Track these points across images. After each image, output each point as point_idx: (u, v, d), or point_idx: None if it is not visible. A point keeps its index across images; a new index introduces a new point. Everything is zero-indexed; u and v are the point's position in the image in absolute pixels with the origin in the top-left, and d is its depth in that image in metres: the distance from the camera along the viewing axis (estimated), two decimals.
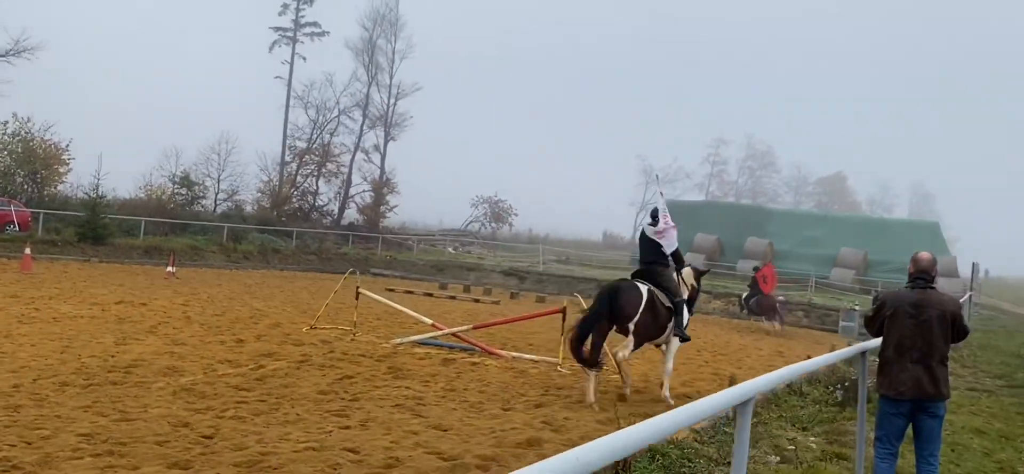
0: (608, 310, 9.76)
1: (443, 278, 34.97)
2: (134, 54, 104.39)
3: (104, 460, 5.97)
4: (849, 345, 19.56)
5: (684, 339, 10.72)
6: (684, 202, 59.97)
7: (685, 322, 10.63)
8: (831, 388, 11.97)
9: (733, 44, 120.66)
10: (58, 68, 55.19)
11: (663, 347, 10.62)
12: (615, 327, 9.95)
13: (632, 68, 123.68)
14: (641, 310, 9.74)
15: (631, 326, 9.77)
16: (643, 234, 10.84)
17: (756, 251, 44.43)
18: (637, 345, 9.95)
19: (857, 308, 27.85)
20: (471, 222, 59.46)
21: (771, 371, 13.35)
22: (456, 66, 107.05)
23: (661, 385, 10.54)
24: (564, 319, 12.62)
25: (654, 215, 10.76)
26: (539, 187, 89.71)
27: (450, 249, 51.15)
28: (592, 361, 9.68)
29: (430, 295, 26.26)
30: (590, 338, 9.68)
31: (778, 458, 7.03)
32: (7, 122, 34.65)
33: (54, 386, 8.29)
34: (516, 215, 60.10)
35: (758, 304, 26.48)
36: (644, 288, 9.95)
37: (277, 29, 49.72)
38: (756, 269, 29.35)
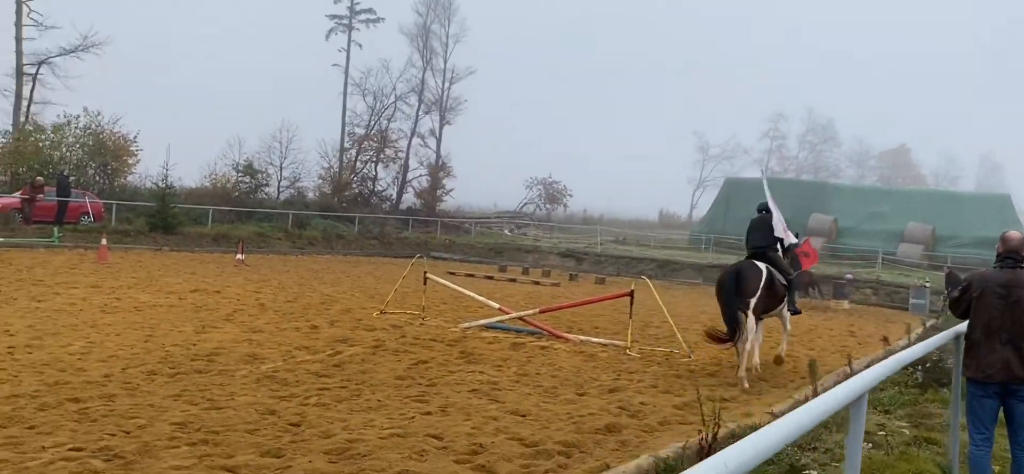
0: (735, 287, 10.58)
1: (501, 260, 35.12)
2: (195, 45, 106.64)
3: (200, 449, 6.15)
4: (922, 323, 19.14)
5: (795, 312, 12.29)
6: (744, 179, 59.02)
7: (795, 297, 11.99)
8: (911, 369, 11.71)
9: (791, 16, 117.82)
10: (123, 61, 56.82)
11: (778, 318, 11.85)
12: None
13: (688, 42, 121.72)
14: (761, 287, 10.63)
15: (752, 301, 10.50)
16: (754, 220, 12.05)
17: (820, 228, 43.53)
18: (756, 321, 10.80)
19: (928, 285, 27.14)
20: (525, 204, 59.55)
21: (843, 352, 13.18)
22: (508, 47, 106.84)
23: (777, 359, 11.57)
24: (631, 302, 12.56)
25: (764, 207, 12.10)
26: (593, 167, 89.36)
27: (506, 231, 51.30)
28: (732, 338, 10.57)
29: (491, 278, 26.42)
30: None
31: (869, 445, 6.90)
32: (78, 116, 35.80)
33: (143, 375, 8.56)
34: (570, 196, 59.99)
35: (796, 278, 26.32)
36: (763, 267, 10.90)
37: (333, 17, 50.34)
38: (795, 245, 29.06)
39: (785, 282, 11.37)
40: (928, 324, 19.07)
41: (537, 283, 26.32)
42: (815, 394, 8.84)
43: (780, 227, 11.97)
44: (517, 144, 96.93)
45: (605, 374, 10.24)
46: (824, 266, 34.16)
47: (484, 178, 64.66)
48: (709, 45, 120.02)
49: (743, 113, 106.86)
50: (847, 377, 10.30)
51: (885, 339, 13.32)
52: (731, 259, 35.42)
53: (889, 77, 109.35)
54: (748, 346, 10.50)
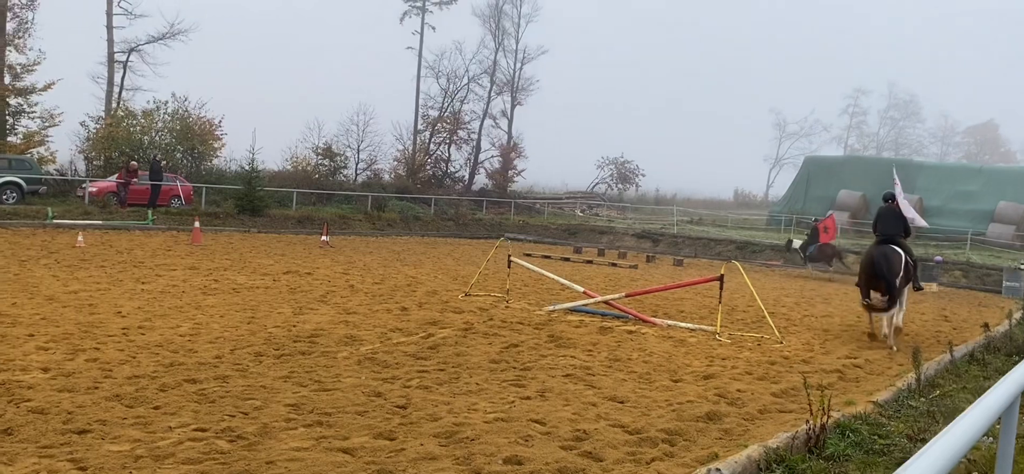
0: (886, 267, 12.36)
1: (576, 241, 35.12)
2: (272, 30, 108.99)
3: (316, 431, 6.39)
4: (1022, 307, 18.39)
5: (918, 288, 14.04)
6: (824, 158, 57.49)
7: (918, 275, 13.70)
8: (1012, 356, 11.34)
9: None
10: (207, 48, 58.54)
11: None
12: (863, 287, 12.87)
13: (764, 16, 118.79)
14: (903, 268, 12.43)
15: (897, 281, 12.24)
16: (883, 210, 13.40)
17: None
18: (895, 298, 12.32)
19: (1023, 267, 26.07)
20: (597, 184, 59.30)
21: (939, 338, 12.81)
22: (579, 26, 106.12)
23: (897, 331, 12.55)
24: (722, 287, 12.45)
25: (890, 197, 13.38)
26: (665, 146, 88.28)
27: (578, 212, 51.21)
28: (883, 306, 12.37)
29: (568, 260, 26.44)
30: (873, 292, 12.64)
31: (990, 438, 6.72)
32: (167, 101, 37.17)
33: (251, 356, 8.91)
34: (643, 176, 59.46)
35: (819, 252, 27.73)
36: (901, 251, 12.59)
37: (407, 0, 50.77)
38: (817, 220, 30.28)
39: (913, 262, 13.03)
40: None
41: (614, 265, 26.25)
42: (918, 382, 8.65)
43: (910, 212, 13.70)
44: (588, 123, 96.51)
45: (697, 360, 10.19)
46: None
47: (555, 158, 64.66)
48: (786, 19, 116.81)
49: (822, 89, 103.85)
50: (951, 363, 10.05)
51: (986, 325, 12.88)
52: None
53: (975, 50, 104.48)
54: (895, 317, 12.37)
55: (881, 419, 7.41)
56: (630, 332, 12.01)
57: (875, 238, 13.38)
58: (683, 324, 12.88)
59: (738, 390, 8.57)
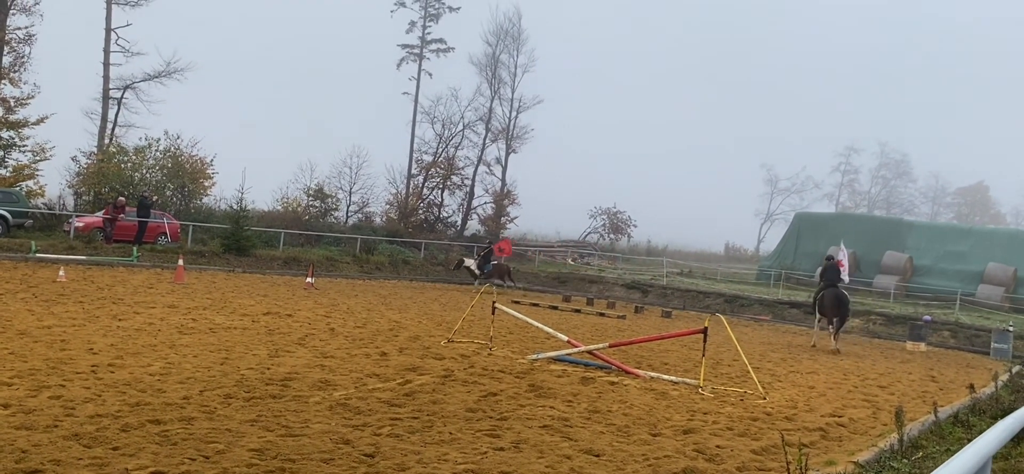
0: (847, 302, 21.14)
1: (565, 290, 34.96)
2: (269, 73, 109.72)
3: None
4: (1007, 369, 18.26)
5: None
6: (814, 214, 57.68)
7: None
8: (997, 418, 11.16)
9: (862, 47, 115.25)
10: (203, 86, 58.79)
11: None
12: (829, 315, 21.06)
13: (755, 72, 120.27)
14: (849, 306, 20.87)
15: (842, 315, 20.86)
16: (829, 266, 22.15)
17: (895, 265, 42.20)
18: (845, 321, 21.30)
19: (1011, 328, 25.98)
20: (589, 233, 59.30)
21: (925, 398, 12.65)
22: (574, 76, 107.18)
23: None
24: (705, 340, 12.29)
25: (831, 257, 22.11)
26: (657, 197, 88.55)
27: (569, 260, 51.10)
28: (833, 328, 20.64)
29: (556, 308, 26.26)
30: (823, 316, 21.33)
31: None
32: (159, 139, 37.16)
33: (220, 398, 8.69)
34: (635, 226, 59.52)
35: (495, 269, 30.89)
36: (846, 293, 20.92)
37: (405, 46, 51.23)
38: (491, 243, 34.09)
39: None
40: (1014, 370, 18.19)
41: (602, 314, 26.07)
42: (901, 443, 8.47)
43: (845, 272, 22.85)
44: (582, 173, 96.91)
45: (678, 414, 10.00)
46: (900, 306, 33.06)
47: (548, 206, 64.70)
48: (778, 75, 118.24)
49: (813, 146, 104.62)
50: (935, 425, 9.88)
51: (971, 387, 12.74)
52: (802, 295, 34.60)
53: (964, 111, 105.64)
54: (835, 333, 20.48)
55: None
56: (612, 383, 11.82)
57: (823, 284, 21.70)
58: (666, 377, 12.70)
59: (717, 446, 8.39)
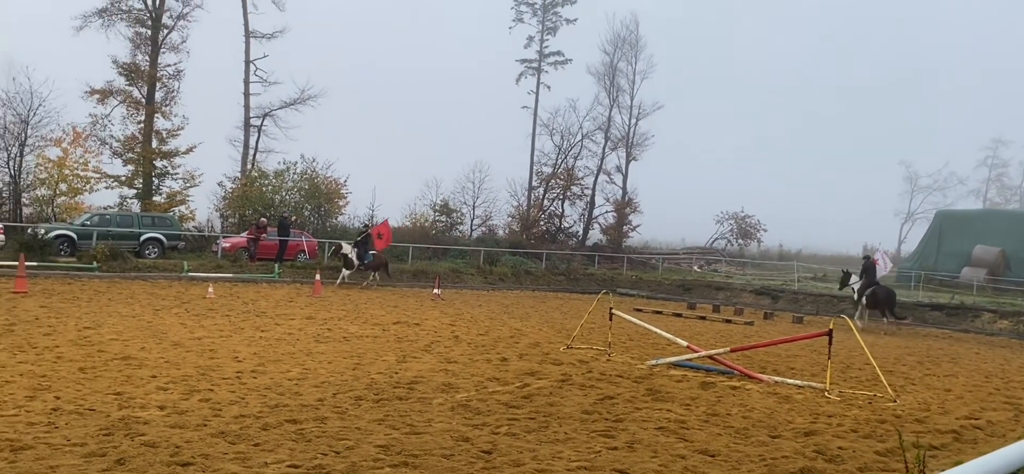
0: (892, 298, 24.32)
1: (690, 298, 34.43)
2: (395, 94, 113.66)
3: (401, 471, 6.58)
4: None
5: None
6: (957, 211, 54.25)
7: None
8: None
9: (1008, 33, 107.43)
10: (334, 110, 61.64)
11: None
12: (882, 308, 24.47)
13: (893, 64, 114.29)
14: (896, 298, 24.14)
15: (892, 306, 24.02)
16: (867, 264, 25.39)
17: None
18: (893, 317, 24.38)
19: None
20: (716, 239, 58.10)
21: None
22: (696, 79, 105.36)
23: None
24: (830, 342, 11.97)
25: (867, 257, 24.21)
26: (789, 200, 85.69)
27: (696, 267, 50.24)
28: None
29: (679, 315, 25.93)
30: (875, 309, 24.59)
31: None
32: (296, 162, 39.33)
33: (351, 400, 9.26)
34: (765, 231, 57.81)
35: (374, 259, 27.78)
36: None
37: (523, 61, 52.01)
38: (367, 227, 30.47)
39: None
40: None
41: (729, 321, 25.53)
42: None
43: (881, 269, 26.10)
44: (706, 178, 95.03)
45: (800, 417, 9.82)
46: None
47: (672, 213, 63.84)
48: (915, 66, 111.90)
49: (956, 140, 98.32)
50: None
51: None
52: (944, 296, 32.68)
53: None
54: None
55: None
56: (734, 388, 11.70)
57: (867, 280, 25.07)
58: (790, 381, 12.42)
59: (839, 447, 8.21)
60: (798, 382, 12.34)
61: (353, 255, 28.25)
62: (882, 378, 12.01)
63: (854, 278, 26.30)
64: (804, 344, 17.32)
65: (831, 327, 12.09)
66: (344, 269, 28.19)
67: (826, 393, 11.48)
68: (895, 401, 11.22)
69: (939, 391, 12.61)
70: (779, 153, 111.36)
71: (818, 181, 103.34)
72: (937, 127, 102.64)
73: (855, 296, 25.81)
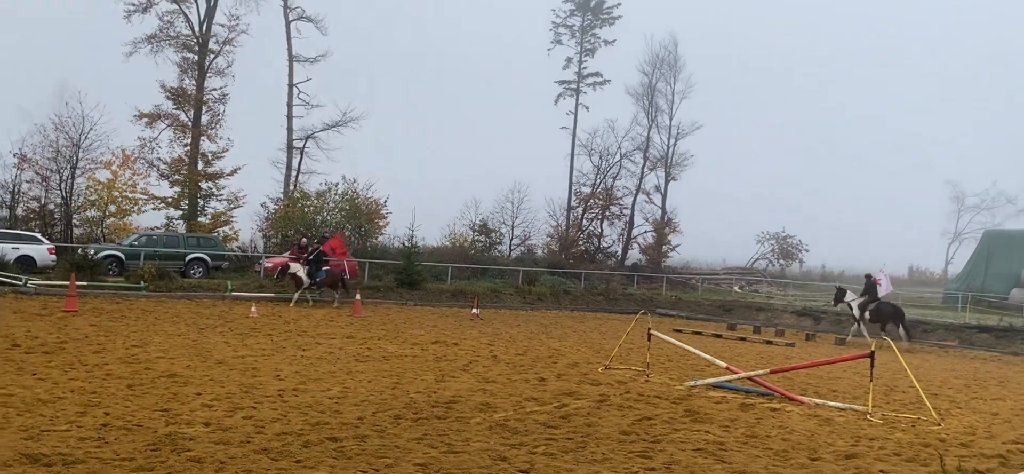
0: (899, 312, 25.34)
1: (730, 318, 34.07)
2: (434, 115, 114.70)
3: None
4: None
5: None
6: (1006, 231, 52.96)
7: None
8: None
9: None
10: (375, 131, 62.40)
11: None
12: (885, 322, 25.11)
13: (938, 76, 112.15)
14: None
15: (899, 319, 24.91)
16: (870, 282, 26.22)
17: None
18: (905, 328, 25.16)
19: None
20: (757, 259, 57.51)
21: None
22: (735, 99, 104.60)
23: None
24: (872, 363, 11.81)
25: (869, 276, 26.24)
26: (832, 219, 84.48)
27: (736, 288, 49.73)
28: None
29: (719, 336, 25.74)
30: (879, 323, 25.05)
31: None
32: (337, 183, 39.92)
33: (390, 418, 9.39)
34: (807, 251, 57.07)
35: (328, 276, 26.29)
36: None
37: (561, 82, 52.20)
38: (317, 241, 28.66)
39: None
40: None
41: (770, 343, 25.26)
42: None
43: (882, 288, 27.14)
44: (748, 198, 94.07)
45: (842, 440, 9.70)
46: None
47: (712, 233, 63.38)
48: (967, 78, 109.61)
49: (1004, 158, 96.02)
50: None
51: None
52: (992, 318, 31.89)
53: None
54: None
55: None
56: (773, 410, 11.59)
57: (868, 298, 25.99)
58: (831, 403, 12.27)
59: (881, 471, 8.11)
60: (839, 404, 12.18)
61: (303, 274, 26.30)
62: (926, 401, 11.81)
63: (850, 295, 26.95)
64: (847, 366, 17.07)
65: (873, 349, 11.94)
66: (296, 290, 26.31)
67: (868, 416, 11.32)
68: (940, 424, 11.02)
69: (986, 414, 12.35)
70: (821, 171, 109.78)
71: (861, 200, 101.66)
72: (982, 145, 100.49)
73: (854, 312, 26.45)
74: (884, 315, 25.55)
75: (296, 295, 26.17)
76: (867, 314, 25.78)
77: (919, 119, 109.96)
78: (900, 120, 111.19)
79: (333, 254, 27.76)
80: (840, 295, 27.56)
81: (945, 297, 44.82)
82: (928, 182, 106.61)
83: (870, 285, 26.46)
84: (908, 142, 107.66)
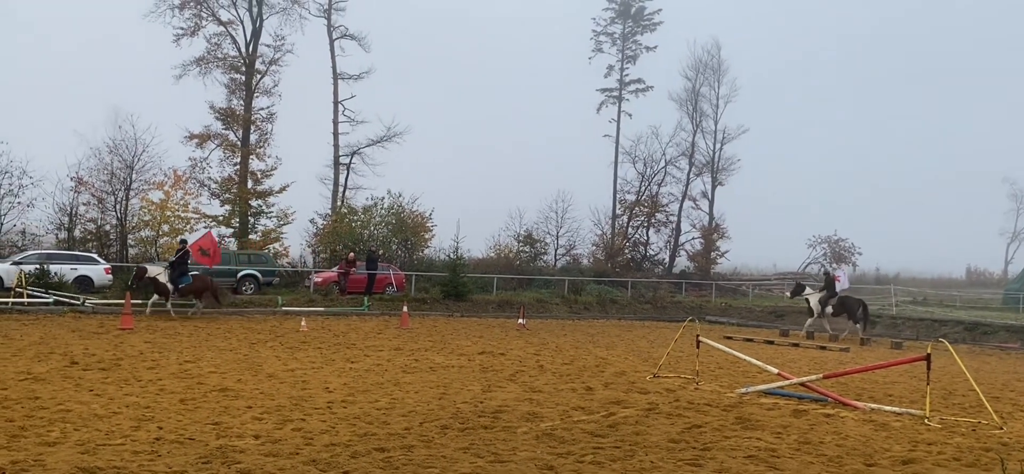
0: (865, 306, 26.81)
1: (783, 324, 33.48)
2: (478, 128, 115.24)
3: None
4: None
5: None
6: None
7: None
8: None
9: None
10: (420, 144, 62.93)
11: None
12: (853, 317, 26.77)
13: (989, 76, 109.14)
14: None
15: (866, 314, 26.36)
16: (829, 278, 28.25)
17: None
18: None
19: None
20: (809, 264, 56.42)
21: None
22: (783, 102, 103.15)
23: None
24: (929, 367, 11.48)
25: (828, 273, 28.62)
26: (886, 221, 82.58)
27: (787, 293, 48.86)
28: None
29: (771, 342, 25.27)
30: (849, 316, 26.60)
31: None
32: (383, 197, 40.36)
33: (437, 429, 9.40)
34: (860, 254, 55.87)
35: (842, 305, 27.78)
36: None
37: (604, 90, 52.10)
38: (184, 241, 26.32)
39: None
40: None
41: (823, 348, 24.73)
42: None
43: (839, 285, 28.12)
44: (799, 202, 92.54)
45: (898, 445, 9.44)
46: None
47: (762, 238, 62.44)
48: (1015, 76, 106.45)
49: None
50: None
51: None
52: None
53: None
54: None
55: None
56: (827, 415, 11.33)
57: (828, 294, 27.48)
58: (887, 408, 11.95)
59: None
60: (896, 409, 11.86)
61: (164, 278, 23.54)
62: (986, 404, 11.43)
63: (808, 290, 29.14)
64: (903, 370, 16.63)
65: (929, 351, 11.61)
66: (156, 295, 23.57)
67: (926, 420, 11.00)
68: (1001, 428, 10.66)
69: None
70: (874, 172, 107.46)
71: (916, 201, 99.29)
72: None
73: (812, 306, 28.12)
74: (850, 307, 27.47)
75: (150, 301, 23.50)
76: (830, 308, 27.66)
77: (973, 115, 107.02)
78: (953, 116, 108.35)
79: (204, 257, 24.84)
80: (798, 289, 29.74)
81: (1005, 298, 43.48)
82: (985, 179, 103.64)
83: (829, 281, 28.60)
84: (964, 140, 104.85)
